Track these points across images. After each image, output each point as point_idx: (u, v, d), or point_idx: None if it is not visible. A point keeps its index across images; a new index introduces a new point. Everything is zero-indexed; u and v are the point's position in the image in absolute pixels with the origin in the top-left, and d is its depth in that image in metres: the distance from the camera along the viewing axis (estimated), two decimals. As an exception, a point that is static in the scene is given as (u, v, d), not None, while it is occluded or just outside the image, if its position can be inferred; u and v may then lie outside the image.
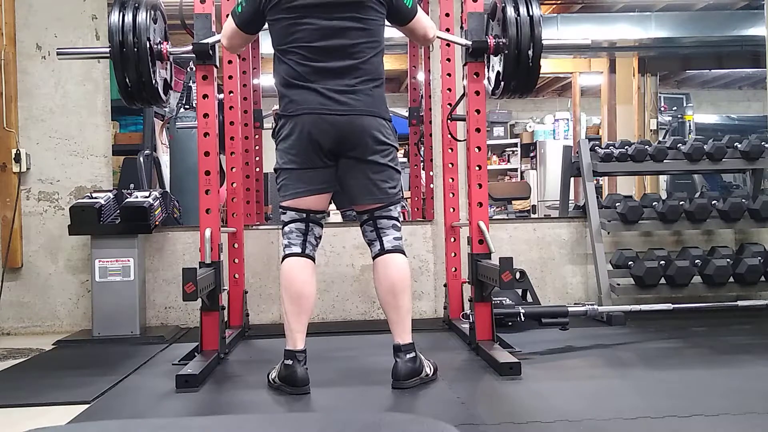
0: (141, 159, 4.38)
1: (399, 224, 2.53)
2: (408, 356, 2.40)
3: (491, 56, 2.94)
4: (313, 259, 2.49)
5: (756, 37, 5.26)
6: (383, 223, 2.49)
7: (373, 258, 2.51)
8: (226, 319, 3.17)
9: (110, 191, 3.71)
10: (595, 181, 4.27)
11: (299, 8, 2.38)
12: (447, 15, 3.50)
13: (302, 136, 2.40)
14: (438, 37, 2.79)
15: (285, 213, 2.50)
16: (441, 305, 3.84)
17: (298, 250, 2.46)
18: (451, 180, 3.58)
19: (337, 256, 3.94)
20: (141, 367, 2.88)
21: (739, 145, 4.01)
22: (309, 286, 2.44)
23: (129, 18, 2.75)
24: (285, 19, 2.40)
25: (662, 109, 6.92)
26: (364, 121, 2.40)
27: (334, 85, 2.39)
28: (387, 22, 2.53)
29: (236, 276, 3.50)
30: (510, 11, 2.79)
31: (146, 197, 3.62)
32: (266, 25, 2.51)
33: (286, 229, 2.49)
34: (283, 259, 2.48)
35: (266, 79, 5.38)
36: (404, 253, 2.50)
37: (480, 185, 2.94)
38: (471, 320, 2.94)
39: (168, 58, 2.92)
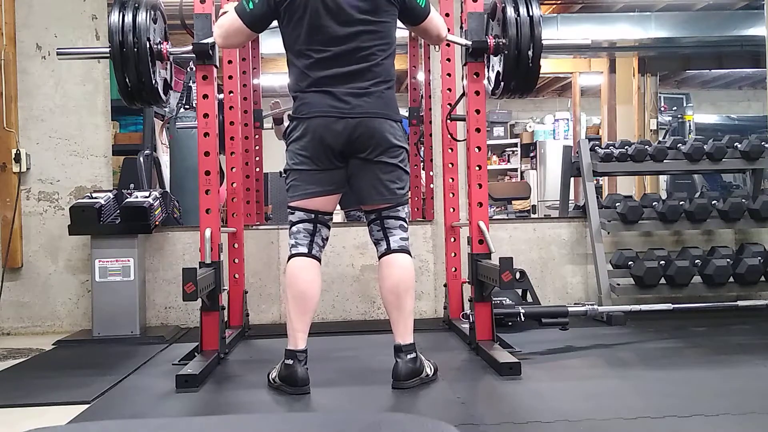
0: (141, 159, 4.37)
1: (406, 225, 2.54)
2: (409, 356, 2.41)
3: (491, 56, 2.94)
4: (319, 259, 2.49)
5: (756, 37, 5.26)
6: (390, 223, 2.50)
7: (379, 257, 2.51)
8: (226, 319, 3.17)
9: (110, 191, 3.71)
10: (595, 181, 4.27)
11: (312, 12, 2.37)
12: (447, 15, 3.49)
13: (314, 138, 2.40)
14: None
15: (293, 213, 2.50)
16: (441, 305, 3.84)
17: (304, 250, 2.46)
18: (451, 180, 3.58)
19: (337, 256, 3.94)
20: (141, 367, 2.88)
21: (739, 145, 4.01)
22: (314, 286, 2.44)
23: (129, 18, 2.75)
24: (297, 22, 2.40)
25: (662, 109, 6.92)
26: (375, 124, 2.41)
27: (347, 87, 2.40)
28: (399, 22, 2.53)
29: (236, 276, 3.50)
30: (510, 11, 2.79)
31: (146, 197, 3.61)
32: (274, 24, 2.50)
33: (294, 229, 2.49)
34: (289, 259, 2.48)
35: (266, 79, 5.39)
36: (410, 254, 2.51)
37: (480, 185, 2.94)
38: (471, 320, 2.94)
39: (168, 58, 2.92)
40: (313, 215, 2.48)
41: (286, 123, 3.83)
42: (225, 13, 2.56)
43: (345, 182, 2.49)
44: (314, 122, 2.40)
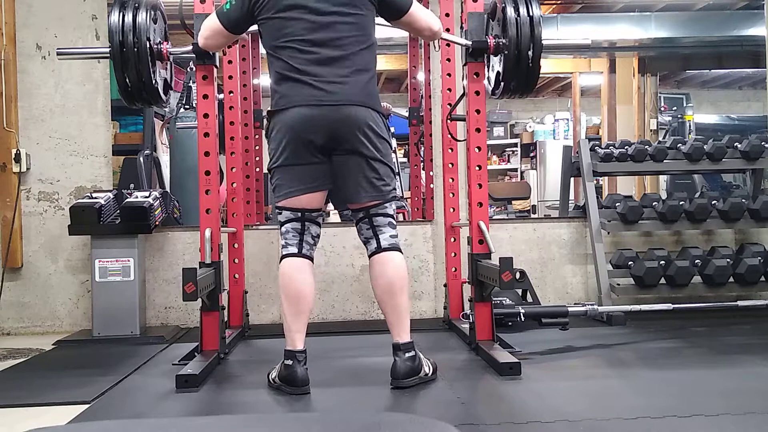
0: (141, 159, 4.38)
1: (394, 222, 2.52)
2: (407, 355, 2.39)
3: (491, 56, 2.94)
4: (311, 258, 2.48)
5: (756, 37, 5.27)
6: (379, 221, 2.48)
7: (370, 256, 2.49)
8: (226, 319, 3.17)
9: (110, 191, 3.71)
10: (595, 181, 4.27)
11: (286, 5, 2.39)
12: (447, 15, 3.49)
13: (293, 129, 2.38)
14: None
15: (281, 213, 2.49)
16: (441, 305, 3.84)
17: (294, 250, 2.45)
18: (451, 180, 3.58)
19: (337, 256, 3.94)
20: (141, 367, 2.88)
21: (739, 145, 4.01)
22: (307, 287, 2.42)
23: (129, 18, 2.75)
24: (275, 16, 2.41)
25: (662, 109, 6.92)
26: (358, 112, 2.38)
27: (326, 74, 2.38)
28: (383, 21, 2.53)
29: (236, 276, 3.50)
30: (510, 11, 2.79)
31: (146, 197, 3.61)
32: (256, 27, 2.51)
33: (283, 229, 2.49)
34: (280, 260, 2.48)
35: (266, 79, 5.39)
36: (401, 251, 2.49)
37: (480, 185, 2.94)
38: (471, 320, 2.94)
39: (168, 58, 2.92)
40: (299, 213, 2.46)
41: None
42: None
43: (329, 178, 2.45)
44: (292, 113, 2.38)
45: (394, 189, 2.54)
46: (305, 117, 2.36)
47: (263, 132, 2.60)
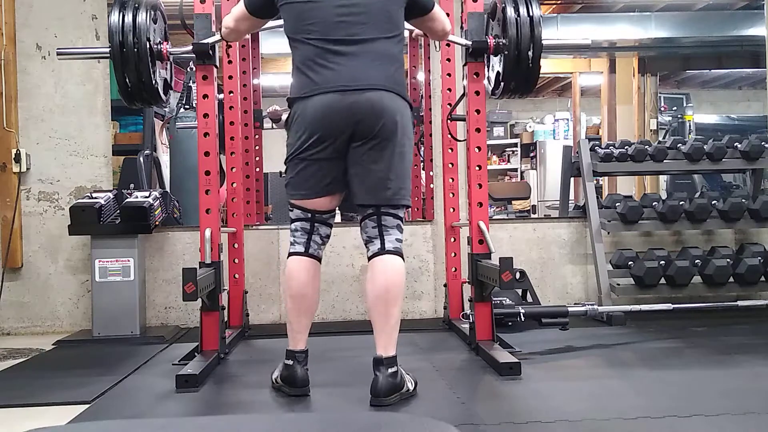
0: (141, 159, 4.38)
1: (403, 226, 2.41)
2: (390, 371, 2.23)
3: (491, 56, 2.94)
4: (318, 258, 2.42)
5: (756, 37, 5.27)
6: (388, 221, 2.36)
7: (370, 258, 2.35)
8: (226, 319, 3.17)
9: (110, 191, 3.71)
10: (595, 181, 4.27)
11: None
12: (447, 15, 3.48)
13: (314, 122, 2.27)
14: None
15: (292, 210, 2.43)
16: (441, 305, 3.84)
17: (301, 249, 2.40)
18: (451, 180, 3.58)
19: (337, 256, 3.94)
20: (141, 367, 2.88)
21: (739, 145, 4.01)
22: (310, 287, 2.38)
23: (129, 18, 2.75)
24: (298, 1, 2.33)
25: (662, 109, 6.92)
26: (384, 98, 2.27)
27: (350, 60, 2.27)
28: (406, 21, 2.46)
29: (236, 276, 3.50)
30: (510, 11, 2.79)
31: (146, 197, 3.61)
32: (279, 20, 2.45)
33: (293, 226, 2.43)
34: (288, 257, 2.43)
35: (266, 79, 5.40)
36: (404, 259, 2.37)
37: (480, 185, 2.94)
38: (471, 320, 2.94)
39: (168, 58, 2.92)
40: (309, 214, 2.40)
41: (284, 117, 3.81)
42: None
43: (343, 179, 2.35)
44: (314, 101, 2.27)
45: (408, 194, 2.41)
46: (328, 105, 2.25)
47: (284, 123, 2.51)
